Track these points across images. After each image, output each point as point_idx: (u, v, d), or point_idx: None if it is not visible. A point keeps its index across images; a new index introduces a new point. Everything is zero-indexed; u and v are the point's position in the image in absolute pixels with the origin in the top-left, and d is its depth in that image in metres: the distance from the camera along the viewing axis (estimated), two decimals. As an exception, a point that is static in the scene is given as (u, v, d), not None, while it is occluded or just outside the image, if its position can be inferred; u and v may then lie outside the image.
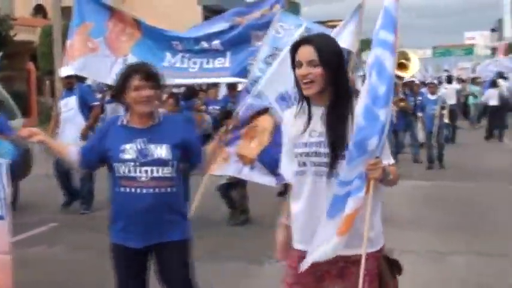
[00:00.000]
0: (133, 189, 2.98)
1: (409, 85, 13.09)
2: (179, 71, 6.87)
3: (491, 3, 74.44)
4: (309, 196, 2.50)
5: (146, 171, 2.98)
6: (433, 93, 11.56)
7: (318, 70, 2.39)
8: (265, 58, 6.41)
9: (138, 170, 2.98)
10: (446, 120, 11.55)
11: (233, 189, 7.10)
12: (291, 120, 2.59)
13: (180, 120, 3.75)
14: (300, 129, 2.52)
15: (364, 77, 14.34)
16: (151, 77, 3.04)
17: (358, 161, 2.33)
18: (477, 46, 62.66)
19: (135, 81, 3.00)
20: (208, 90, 12.34)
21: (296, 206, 2.56)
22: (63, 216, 7.64)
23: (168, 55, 6.90)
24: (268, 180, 6.23)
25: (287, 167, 2.60)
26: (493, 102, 16.22)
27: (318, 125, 2.47)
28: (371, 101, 2.31)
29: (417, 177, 10.27)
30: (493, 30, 65.92)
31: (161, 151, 3.01)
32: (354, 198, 2.32)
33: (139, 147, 3.00)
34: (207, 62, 6.86)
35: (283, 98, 6.11)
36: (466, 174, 10.65)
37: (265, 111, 6.20)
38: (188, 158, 3.17)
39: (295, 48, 2.49)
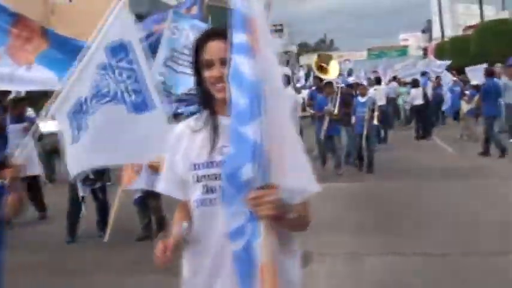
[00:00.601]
0: None
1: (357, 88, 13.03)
2: None
3: (423, 4, 76.97)
4: (220, 237, 1.97)
5: None
6: (363, 95, 11.32)
7: None
8: (165, 61, 6.24)
9: None
10: (375, 122, 11.29)
11: (149, 201, 6.77)
12: (186, 134, 2.13)
13: None
14: (204, 145, 2.06)
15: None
16: None
17: (239, 200, 1.83)
18: (410, 47, 64.59)
19: None
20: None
21: (199, 252, 2.06)
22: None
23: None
24: None
25: (174, 193, 2.17)
26: (418, 101, 16.60)
27: (228, 140, 1.89)
28: (234, 120, 1.84)
29: (345, 178, 10.34)
30: (423, 31, 68.24)
31: None
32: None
33: None
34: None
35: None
36: (395, 173, 10.76)
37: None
38: None
39: (201, 43, 2.06)
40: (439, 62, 23.55)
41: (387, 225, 7.01)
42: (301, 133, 12.10)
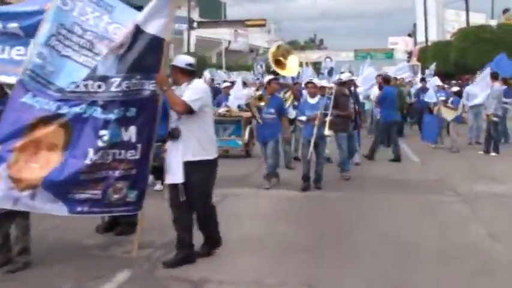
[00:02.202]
0: None
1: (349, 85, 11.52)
2: None
3: (410, 7, 76.29)
4: None
5: None
6: (313, 95, 9.36)
7: None
8: (48, 40, 5.07)
9: None
10: (326, 133, 9.32)
11: (10, 222, 5.24)
12: None
13: None
14: None
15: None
16: None
17: None
18: (397, 51, 63.89)
19: None
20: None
21: None
22: None
23: None
24: (56, 209, 5.09)
25: None
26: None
27: None
28: None
29: (292, 186, 9.30)
30: (409, 35, 67.51)
31: None
32: None
33: None
34: (2, 50, 5.57)
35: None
36: (344, 184, 9.83)
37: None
38: None
39: None
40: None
41: (316, 248, 6.06)
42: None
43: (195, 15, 59.11)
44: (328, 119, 9.12)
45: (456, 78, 25.84)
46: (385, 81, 13.71)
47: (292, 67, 12.10)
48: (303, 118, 9.18)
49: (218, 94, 14.57)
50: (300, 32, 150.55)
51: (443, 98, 14.52)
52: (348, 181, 9.95)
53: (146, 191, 5.55)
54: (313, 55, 52.61)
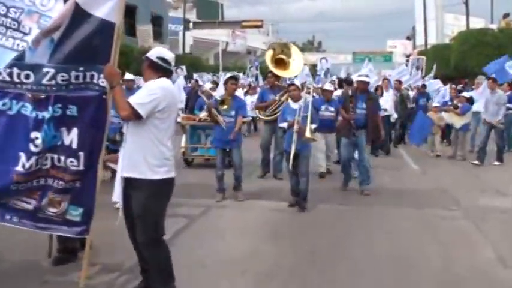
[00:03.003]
0: None
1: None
2: None
3: (408, 10, 75.60)
4: None
5: None
6: (296, 99, 8.21)
7: None
8: None
9: None
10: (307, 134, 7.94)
11: None
12: None
13: None
14: None
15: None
16: None
17: None
18: (395, 54, 63.29)
19: None
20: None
21: None
22: None
23: None
24: None
25: None
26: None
27: None
28: None
29: (282, 197, 8.57)
30: (408, 38, 66.87)
31: None
32: None
33: None
34: None
35: None
36: (340, 195, 9.15)
37: None
38: None
39: None
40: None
41: (305, 270, 5.38)
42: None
43: (193, 17, 58.68)
44: (308, 123, 7.65)
45: (456, 82, 25.16)
46: (347, 83, 12.83)
47: (296, 67, 11.00)
48: (284, 125, 8.11)
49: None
50: (298, 34, 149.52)
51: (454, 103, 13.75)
52: (344, 192, 9.26)
53: (94, 210, 4.59)
54: (312, 57, 51.92)
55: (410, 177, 11.06)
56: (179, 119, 12.43)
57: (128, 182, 4.25)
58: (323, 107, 10.19)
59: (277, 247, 6.18)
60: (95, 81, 4.38)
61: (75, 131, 4.38)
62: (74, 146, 4.39)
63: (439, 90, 16.28)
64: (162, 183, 4.23)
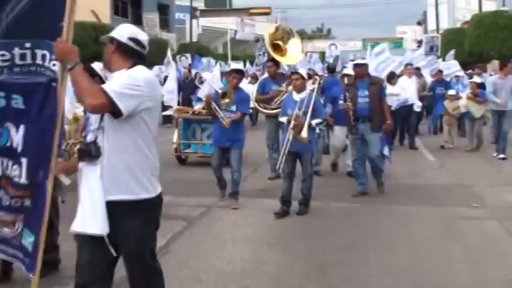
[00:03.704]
0: None
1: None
2: None
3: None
4: None
5: None
6: (298, 89, 7.29)
7: None
8: None
9: None
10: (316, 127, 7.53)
11: None
12: None
13: None
14: None
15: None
16: None
17: None
18: (406, 40, 62.08)
19: None
20: None
21: None
22: None
23: None
24: None
25: None
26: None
27: None
28: None
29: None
30: (418, 23, 65.58)
31: None
32: None
33: None
34: None
35: None
36: (352, 192, 8.38)
37: None
38: None
39: None
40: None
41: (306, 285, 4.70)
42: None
43: (201, 5, 57.92)
44: (307, 119, 6.77)
45: (471, 67, 24.26)
46: (329, 71, 12.46)
47: (293, 53, 10.03)
48: (284, 119, 7.11)
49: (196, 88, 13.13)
50: (307, 21, 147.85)
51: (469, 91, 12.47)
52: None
53: (42, 244, 3.45)
54: (321, 44, 51.00)
55: (427, 171, 10.30)
56: (171, 112, 11.61)
57: (114, 207, 3.15)
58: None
59: (283, 258, 5.48)
60: (46, 63, 3.43)
61: (21, 130, 3.43)
62: (19, 149, 3.44)
63: (455, 75, 15.26)
64: (155, 201, 3.27)
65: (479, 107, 12.02)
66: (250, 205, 7.52)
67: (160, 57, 27.18)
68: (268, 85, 9.59)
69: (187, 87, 15.87)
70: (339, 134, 9.40)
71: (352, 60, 12.08)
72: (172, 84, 12.33)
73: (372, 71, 10.21)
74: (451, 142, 12.80)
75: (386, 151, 8.34)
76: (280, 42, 9.99)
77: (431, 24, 48.52)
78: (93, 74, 4.12)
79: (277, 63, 9.78)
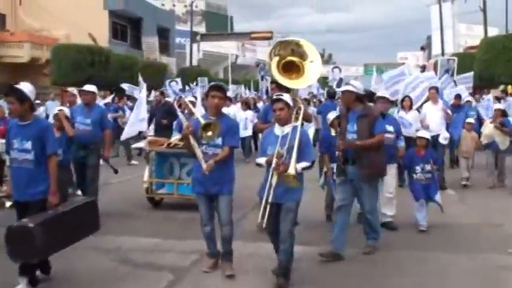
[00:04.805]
0: None
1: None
2: None
3: (423, 19, 72.63)
4: None
5: None
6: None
7: None
8: None
9: None
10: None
11: None
12: None
13: None
14: None
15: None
16: None
17: None
18: (408, 65, 61.53)
19: None
20: None
21: None
22: None
23: None
24: None
25: None
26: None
27: None
28: None
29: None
30: (422, 48, 65.12)
31: None
32: None
33: None
34: None
35: None
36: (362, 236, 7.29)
37: None
38: None
39: None
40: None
41: None
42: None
43: (202, 29, 57.62)
44: (293, 158, 5.08)
45: (481, 92, 23.33)
46: (329, 96, 12.14)
47: (313, 71, 6.75)
48: (262, 161, 5.40)
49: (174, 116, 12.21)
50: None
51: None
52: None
53: None
54: (323, 69, 50.56)
55: (446, 207, 9.11)
56: (142, 144, 9.57)
57: None
58: None
59: None
60: None
61: None
62: None
63: (467, 100, 14.04)
64: None
65: (505, 137, 10.66)
66: (248, 251, 6.40)
67: (158, 81, 26.33)
68: (271, 112, 8.20)
69: (159, 111, 14.15)
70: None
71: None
72: (143, 113, 9.50)
73: (393, 93, 9.18)
74: (465, 177, 11.27)
75: (438, 197, 7.48)
76: (294, 59, 6.78)
77: (435, 49, 47.87)
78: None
79: (281, 87, 8.18)
